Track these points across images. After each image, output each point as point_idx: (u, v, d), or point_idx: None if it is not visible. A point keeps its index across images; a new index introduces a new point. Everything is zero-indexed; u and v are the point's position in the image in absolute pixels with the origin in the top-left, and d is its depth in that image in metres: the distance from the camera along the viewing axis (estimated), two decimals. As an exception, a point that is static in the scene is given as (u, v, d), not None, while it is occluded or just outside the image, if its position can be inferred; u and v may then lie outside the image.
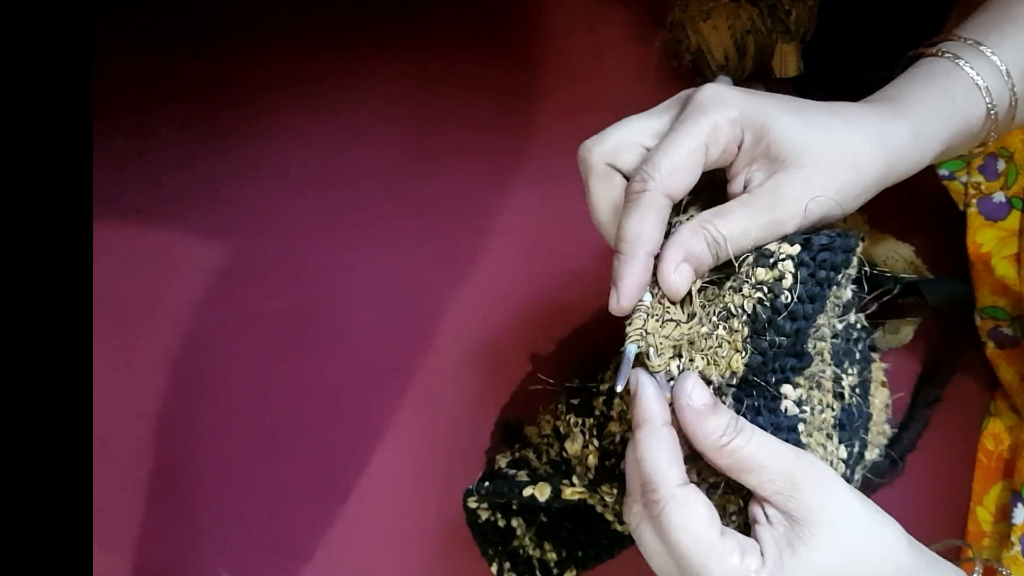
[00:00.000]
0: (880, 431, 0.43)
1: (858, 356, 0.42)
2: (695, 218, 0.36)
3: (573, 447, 0.44)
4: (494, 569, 0.50)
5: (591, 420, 0.44)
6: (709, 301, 0.37)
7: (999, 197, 0.52)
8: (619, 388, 0.35)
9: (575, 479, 0.43)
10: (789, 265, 0.35)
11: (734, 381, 0.36)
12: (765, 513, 0.34)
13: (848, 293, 0.41)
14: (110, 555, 0.56)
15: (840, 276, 0.38)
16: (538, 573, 0.50)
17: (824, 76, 0.58)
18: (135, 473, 0.57)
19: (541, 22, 0.64)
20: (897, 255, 0.55)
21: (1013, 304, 0.52)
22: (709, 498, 0.34)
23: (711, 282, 0.37)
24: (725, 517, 0.37)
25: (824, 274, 0.36)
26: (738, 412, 0.35)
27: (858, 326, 0.42)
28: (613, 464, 0.41)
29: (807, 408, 0.38)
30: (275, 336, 0.59)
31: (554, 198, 0.60)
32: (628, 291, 0.36)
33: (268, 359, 0.59)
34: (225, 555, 0.57)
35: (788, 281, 0.35)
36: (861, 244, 0.39)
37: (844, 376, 0.41)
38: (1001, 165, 0.52)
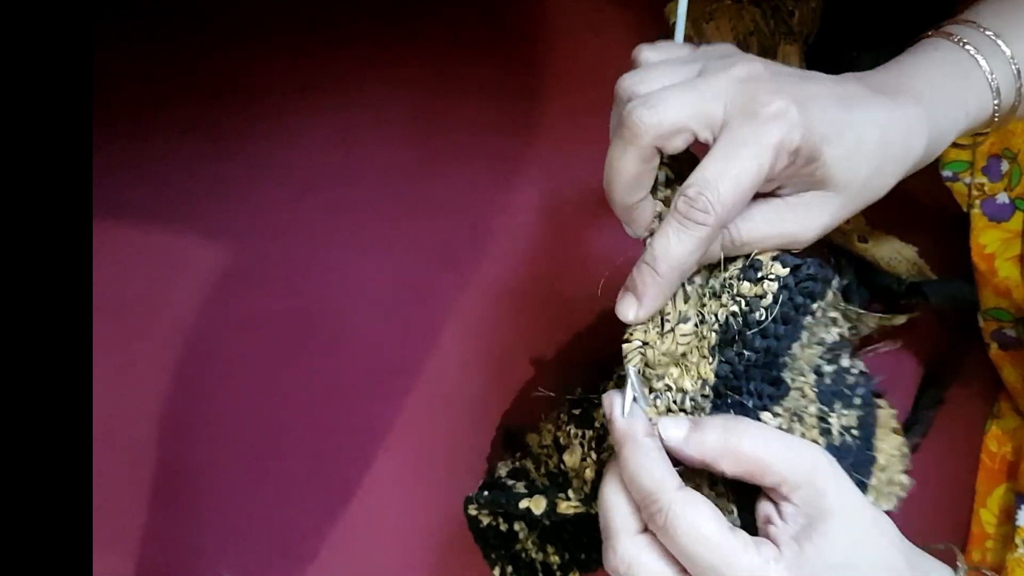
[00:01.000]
0: (892, 479, 0.43)
1: (856, 401, 0.41)
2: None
3: (571, 459, 0.44)
4: (496, 572, 0.50)
5: (591, 432, 0.44)
6: (689, 299, 0.37)
7: (1003, 199, 0.52)
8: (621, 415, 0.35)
9: (571, 493, 0.43)
10: (774, 286, 0.35)
11: (707, 391, 0.35)
12: (779, 511, 0.34)
13: (833, 335, 0.40)
14: (113, 556, 0.56)
15: (815, 306, 0.37)
16: (541, 576, 0.50)
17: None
18: (138, 474, 0.57)
19: (544, 24, 0.64)
20: (901, 256, 0.55)
21: (1017, 306, 0.51)
22: None
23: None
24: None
25: (800, 300, 0.36)
26: None
27: (854, 371, 0.42)
28: None
29: None
30: (278, 338, 0.59)
31: (558, 201, 0.60)
32: (650, 307, 0.35)
33: (271, 361, 0.59)
34: (228, 557, 0.57)
35: (767, 301, 0.35)
36: (837, 280, 0.39)
37: (832, 414, 0.40)
38: (1005, 166, 0.52)
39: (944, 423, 0.55)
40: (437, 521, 0.56)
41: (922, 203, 0.57)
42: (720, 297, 0.36)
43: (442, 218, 0.61)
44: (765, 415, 0.36)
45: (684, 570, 0.32)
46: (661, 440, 0.34)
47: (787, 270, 0.36)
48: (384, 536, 0.56)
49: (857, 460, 0.40)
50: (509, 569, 0.50)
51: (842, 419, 0.40)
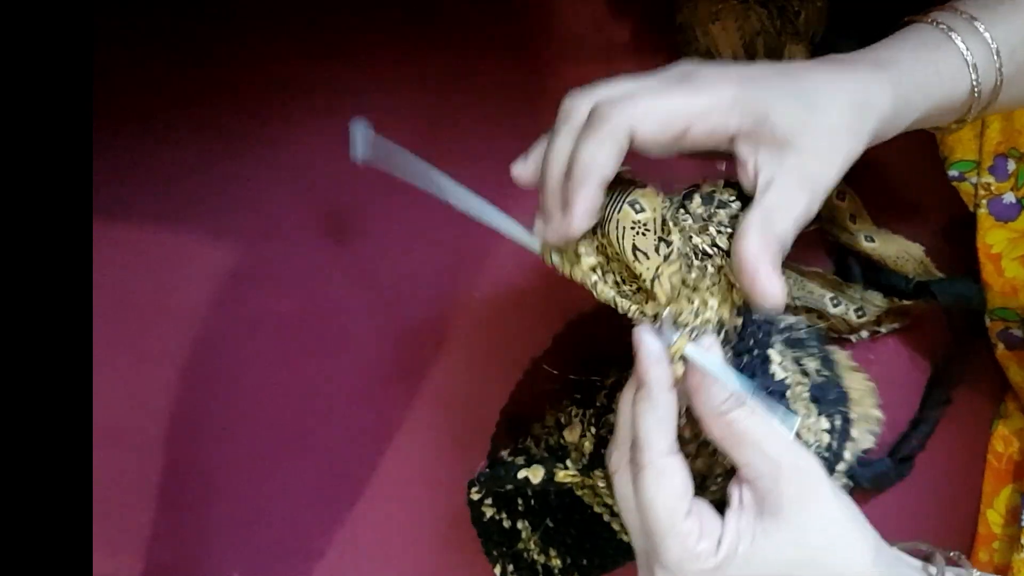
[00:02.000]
0: (867, 414, 0.44)
1: (814, 350, 0.43)
2: (756, 219, 0.34)
3: (571, 435, 0.45)
4: (497, 571, 0.50)
5: (591, 410, 0.45)
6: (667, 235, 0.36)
7: (1009, 198, 0.52)
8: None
9: (569, 463, 0.44)
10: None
11: (740, 322, 0.35)
12: (740, 496, 0.34)
13: None
14: (121, 556, 0.57)
15: None
16: (541, 578, 0.50)
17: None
18: (145, 474, 0.58)
19: (550, 24, 0.64)
20: (908, 255, 0.55)
21: (1023, 306, 0.51)
22: (700, 455, 0.34)
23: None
24: (711, 478, 0.38)
25: None
26: (737, 368, 0.35)
27: (800, 327, 0.43)
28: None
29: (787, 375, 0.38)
30: (284, 337, 0.59)
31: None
32: (581, 217, 0.35)
33: (278, 360, 0.59)
34: (236, 555, 0.57)
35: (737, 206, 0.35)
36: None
37: (805, 358, 0.42)
38: (1011, 166, 0.52)
39: (950, 423, 0.54)
40: (445, 520, 0.56)
41: (929, 203, 0.57)
42: (707, 230, 0.36)
43: (447, 216, 0.61)
44: (771, 351, 0.37)
45: None
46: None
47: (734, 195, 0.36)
48: (391, 535, 0.57)
49: (836, 397, 0.41)
50: (510, 568, 0.50)
51: (810, 361, 0.42)
